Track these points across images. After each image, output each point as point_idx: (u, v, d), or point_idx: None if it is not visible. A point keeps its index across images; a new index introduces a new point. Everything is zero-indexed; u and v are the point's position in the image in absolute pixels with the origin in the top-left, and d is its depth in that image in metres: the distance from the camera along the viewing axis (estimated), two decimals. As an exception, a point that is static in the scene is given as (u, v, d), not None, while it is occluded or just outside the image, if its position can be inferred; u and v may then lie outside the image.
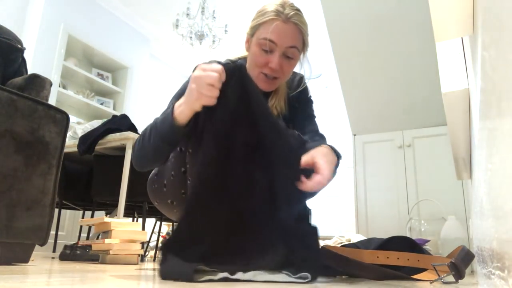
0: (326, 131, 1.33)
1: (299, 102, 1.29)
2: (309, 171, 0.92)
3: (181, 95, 1.13)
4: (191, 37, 4.17)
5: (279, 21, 1.06)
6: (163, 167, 1.17)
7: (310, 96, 1.32)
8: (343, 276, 1.11)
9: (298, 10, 1.10)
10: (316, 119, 1.30)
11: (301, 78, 1.31)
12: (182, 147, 1.12)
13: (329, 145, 1.05)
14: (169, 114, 0.94)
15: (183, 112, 0.92)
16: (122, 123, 2.55)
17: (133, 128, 2.53)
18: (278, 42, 1.06)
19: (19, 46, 1.61)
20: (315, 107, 1.34)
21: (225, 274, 0.77)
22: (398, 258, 1.09)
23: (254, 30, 1.12)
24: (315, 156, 0.94)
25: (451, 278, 0.94)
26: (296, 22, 1.07)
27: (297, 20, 1.07)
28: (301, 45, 1.11)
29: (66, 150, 1.59)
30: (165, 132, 0.96)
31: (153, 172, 1.23)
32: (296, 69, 1.21)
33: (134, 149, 1.10)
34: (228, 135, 0.88)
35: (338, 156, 1.04)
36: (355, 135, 3.26)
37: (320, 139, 1.20)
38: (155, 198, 1.22)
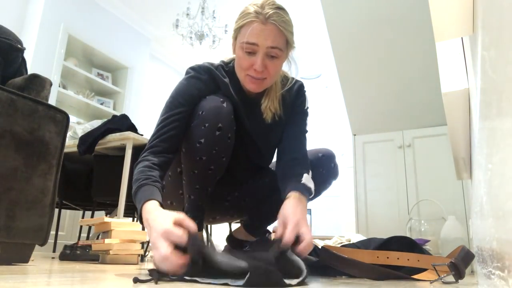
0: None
1: (294, 112, 1.26)
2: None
3: (178, 94, 1.12)
4: (191, 37, 4.17)
5: (257, 22, 1.04)
6: None
7: (307, 108, 1.29)
8: (343, 276, 1.11)
9: (278, 8, 1.07)
10: (307, 135, 1.27)
11: (301, 86, 1.29)
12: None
13: (299, 189, 1.06)
14: (140, 202, 0.91)
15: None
16: (122, 123, 2.55)
17: (133, 128, 2.53)
18: (259, 44, 1.04)
19: (19, 46, 1.61)
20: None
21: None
22: (398, 258, 1.09)
23: (236, 33, 1.10)
24: (288, 222, 0.94)
25: (451, 278, 0.94)
26: (275, 22, 1.04)
27: (277, 19, 1.04)
28: (284, 44, 1.08)
29: (66, 150, 1.59)
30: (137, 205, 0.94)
31: None
32: (285, 67, 1.20)
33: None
34: None
35: (309, 192, 1.08)
36: (355, 135, 3.26)
37: (297, 169, 1.14)
38: None
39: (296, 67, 1.21)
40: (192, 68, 1.17)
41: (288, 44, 1.10)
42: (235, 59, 1.14)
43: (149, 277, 0.75)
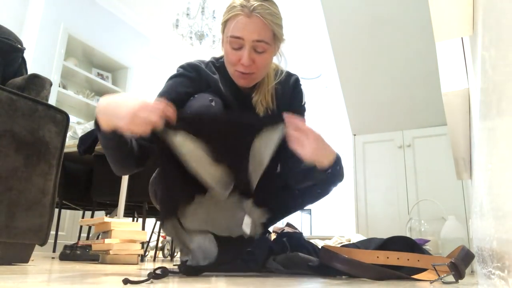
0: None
1: (294, 110, 1.20)
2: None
3: (164, 92, 1.11)
4: (191, 37, 4.17)
5: (242, 15, 1.02)
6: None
7: (304, 103, 1.26)
8: (343, 276, 1.11)
9: (264, 0, 1.04)
10: None
11: (297, 80, 1.25)
12: None
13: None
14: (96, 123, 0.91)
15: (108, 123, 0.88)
16: (122, 123, 2.54)
17: (133, 128, 2.53)
18: (244, 37, 1.02)
19: (19, 46, 1.61)
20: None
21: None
22: (398, 258, 1.09)
23: (223, 27, 1.09)
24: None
25: (451, 278, 0.94)
26: (260, 15, 1.02)
27: (262, 11, 1.02)
28: (271, 37, 1.05)
29: (66, 150, 1.59)
30: (101, 140, 0.94)
31: (154, 174, 1.23)
32: (274, 62, 1.17)
33: None
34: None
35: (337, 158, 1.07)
36: (355, 135, 3.26)
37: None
38: (157, 200, 1.22)
39: (285, 61, 1.18)
40: (181, 66, 1.15)
41: (275, 37, 1.07)
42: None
43: (142, 278, 0.75)
